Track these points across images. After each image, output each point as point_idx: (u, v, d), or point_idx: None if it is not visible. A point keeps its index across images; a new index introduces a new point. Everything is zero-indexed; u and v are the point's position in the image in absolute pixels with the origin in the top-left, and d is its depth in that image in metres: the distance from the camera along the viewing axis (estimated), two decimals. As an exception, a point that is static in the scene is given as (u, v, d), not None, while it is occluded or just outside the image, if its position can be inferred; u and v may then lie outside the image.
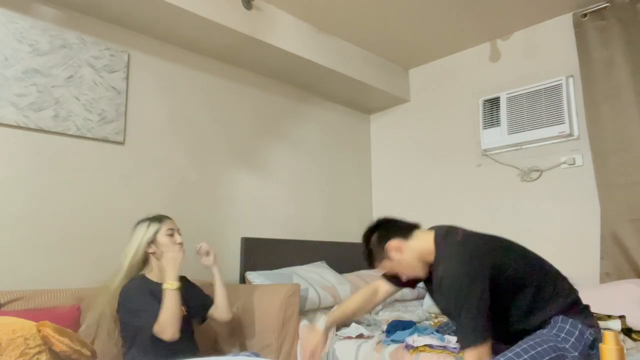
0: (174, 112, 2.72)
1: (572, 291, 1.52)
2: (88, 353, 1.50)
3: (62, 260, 2.19)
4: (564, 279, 1.53)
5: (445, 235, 1.55)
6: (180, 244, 1.86)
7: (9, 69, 2.10)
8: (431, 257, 1.55)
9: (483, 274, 1.40)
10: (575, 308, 1.46)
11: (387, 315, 2.81)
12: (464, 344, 1.41)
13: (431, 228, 1.63)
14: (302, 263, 3.01)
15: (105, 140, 2.40)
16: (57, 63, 2.26)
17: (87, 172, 2.32)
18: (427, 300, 3.09)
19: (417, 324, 2.30)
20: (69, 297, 1.96)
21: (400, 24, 3.10)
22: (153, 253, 1.84)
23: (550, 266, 1.54)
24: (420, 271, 1.59)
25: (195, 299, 1.97)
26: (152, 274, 1.85)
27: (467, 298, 1.39)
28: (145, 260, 1.87)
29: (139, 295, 1.72)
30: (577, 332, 1.40)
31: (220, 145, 2.92)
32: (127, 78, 2.51)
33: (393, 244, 1.58)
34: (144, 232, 1.84)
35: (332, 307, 2.55)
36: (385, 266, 1.65)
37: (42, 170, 2.18)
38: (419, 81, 3.78)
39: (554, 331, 1.43)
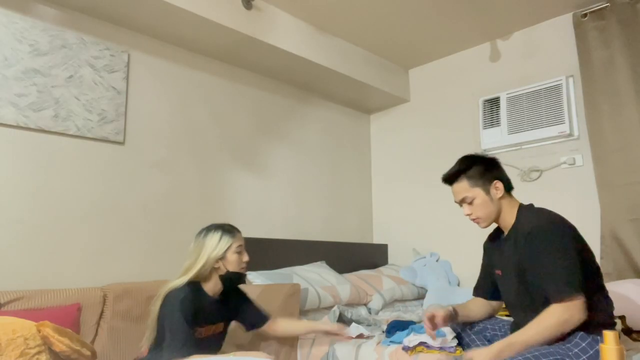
0: (174, 112, 2.73)
1: (611, 316, 1.52)
2: (88, 353, 1.50)
3: (62, 260, 2.19)
4: (609, 299, 1.55)
5: (530, 206, 1.65)
6: (247, 262, 1.83)
7: (9, 69, 2.10)
8: (506, 219, 1.64)
9: (571, 240, 1.46)
10: (604, 328, 1.43)
11: (387, 315, 2.81)
12: (556, 296, 1.39)
13: (516, 199, 1.71)
14: (302, 263, 3.01)
15: (105, 140, 2.40)
16: (57, 63, 2.26)
17: (87, 172, 2.32)
18: (427, 300, 3.10)
19: (416, 324, 2.30)
20: (69, 297, 1.96)
21: (400, 24, 3.10)
22: (217, 268, 1.78)
23: (603, 282, 1.57)
24: (487, 220, 1.67)
25: (248, 315, 1.95)
26: (207, 285, 1.79)
27: (566, 247, 1.42)
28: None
29: (181, 312, 1.64)
30: (591, 352, 1.39)
31: (220, 145, 2.92)
32: (127, 78, 2.51)
33: (500, 185, 1.64)
34: (215, 246, 1.76)
35: (332, 307, 2.56)
36: (469, 192, 1.65)
37: (42, 170, 2.18)
38: (419, 81, 3.78)
39: (568, 345, 1.42)
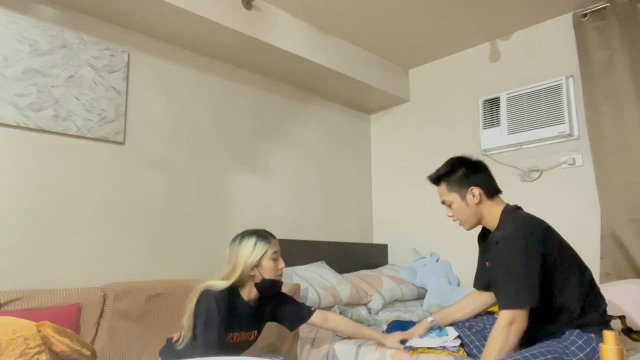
0: (174, 112, 2.73)
1: (605, 313, 1.54)
2: (88, 353, 1.50)
3: (62, 260, 2.19)
4: (601, 296, 1.57)
5: (513, 210, 1.65)
6: (282, 269, 1.80)
7: (9, 69, 2.10)
8: (490, 223, 1.67)
9: (537, 249, 1.47)
10: (598, 326, 1.47)
11: (387, 315, 2.81)
12: (504, 303, 1.47)
13: (502, 202, 1.72)
14: (302, 263, 3.01)
15: (105, 140, 2.40)
16: (57, 63, 2.26)
17: (87, 172, 2.32)
18: (427, 300, 3.10)
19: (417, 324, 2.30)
20: (69, 297, 1.96)
21: (400, 24, 3.10)
22: (253, 276, 1.74)
23: (594, 280, 1.59)
24: (468, 224, 1.70)
25: (288, 314, 1.92)
26: (243, 291, 1.76)
27: (519, 261, 1.46)
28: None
29: (217, 309, 1.63)
30: (588, 349, 1.41)
31: (220, 145, 2.92)
32: (127, 78, 2.51)
33: (477, 191, 1.66)
34: (250, 253, 1.72)
35: (332, 307, 2.56)
36: (448, 196, 1.70)
37: (42, 171, 2.18)
38: (419, 81, 3.78)
39: (565, 343, 1.43)
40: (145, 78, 2.61)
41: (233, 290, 1.72)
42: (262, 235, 1.78)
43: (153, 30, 2.59)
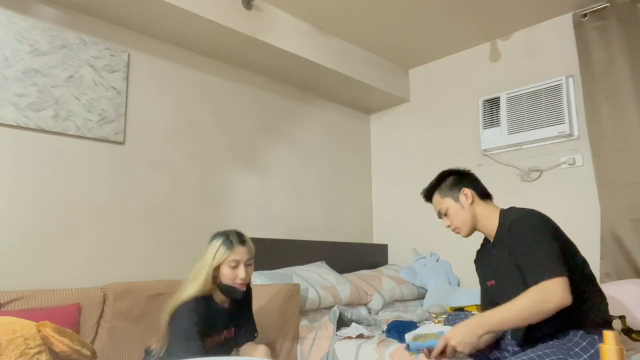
0: (174, 112, 2.73)
1: (606, 311, 1.53)
2: (88, 353, 1.50)
3: (62, 260, 2.19)
4: (603, 294, 1.55)
5: (511, 207, 1.65)
6: (242, 279, 1.73)
7: (9, 69, 2.10)
8: (488, 224, 1.65)
9: (550, 228, 1.46)
10: (602, 326, 1.44)
11: (387, 315, 2.81)
12: (541, 278, 1.36)
13: (496, 206, 1.73)
14: (302, 263, 3.01)
15: (105, 140, 2.40)
16: (57, 63, 2.26)
17: (87, 172, 2.32)
18: (427, 300, 3.10)
19: (418, 324, 2.30)
20: (69, 297, 1.96)
21: (400, 24, 3.10)
22: (215, 277, 1.74)
23: (595, 279, 1.56)
24: (465, 228, 1.69)
25: (244, 327, 1.90)
26: (217, 295, 1.77)
27: (541, 235, 1.43)
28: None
29: (188, 324, 1.62)
30: (592, 351, 1.40)
31: (220, 145, 2.92)
32: (127, 78, 2.51)
33: (468, 191, 1.69)
34: (213, 255, 1.72)
35: (332, 307, 2.56)
36: (442, 203, 1.73)
37: (42, 171, 2.18)
38: (419, 81, 3.78)
39: (569, 344, 1.42)
40: (145, 78, 2.61)
41: (205, 298, 1.71)
42: (230, 239, 1.75)
43: (153, 30, 2.59)
